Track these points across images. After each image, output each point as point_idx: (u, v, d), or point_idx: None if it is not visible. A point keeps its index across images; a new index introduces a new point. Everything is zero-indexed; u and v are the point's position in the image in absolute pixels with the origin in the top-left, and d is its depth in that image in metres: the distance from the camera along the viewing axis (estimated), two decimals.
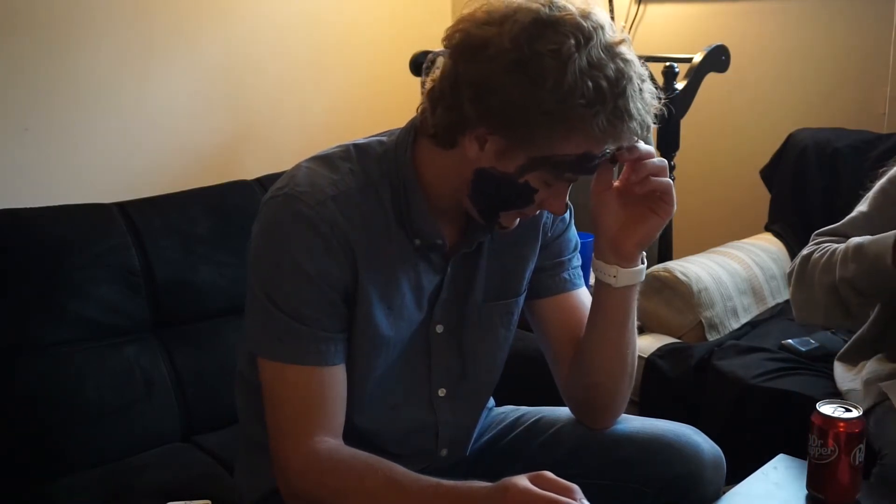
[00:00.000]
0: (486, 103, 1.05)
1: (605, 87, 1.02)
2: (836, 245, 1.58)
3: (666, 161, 1.17)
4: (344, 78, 2.90)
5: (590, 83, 1.01)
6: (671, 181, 1.17)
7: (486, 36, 1.05)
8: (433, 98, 1.11)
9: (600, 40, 1.03)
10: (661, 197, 1.16)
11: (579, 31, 1.03)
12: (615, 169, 1.18)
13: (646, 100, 1.07)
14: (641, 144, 1.14)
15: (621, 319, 1.24)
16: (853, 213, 1.67)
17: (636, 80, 1.05)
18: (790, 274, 1.67)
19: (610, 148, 1.09)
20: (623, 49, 1.05)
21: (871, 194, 1.67)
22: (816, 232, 1.69)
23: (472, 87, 1.06)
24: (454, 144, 1.11)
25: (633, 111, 1.04)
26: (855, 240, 1.54)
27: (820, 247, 1.62)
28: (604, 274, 1.21)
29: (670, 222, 2.47)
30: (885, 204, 1.61)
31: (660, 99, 1.10)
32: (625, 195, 1.18)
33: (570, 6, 1.05)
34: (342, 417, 1.16)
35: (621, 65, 1.04)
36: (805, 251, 1.65)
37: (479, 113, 1.06)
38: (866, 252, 1.50)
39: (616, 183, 1.18)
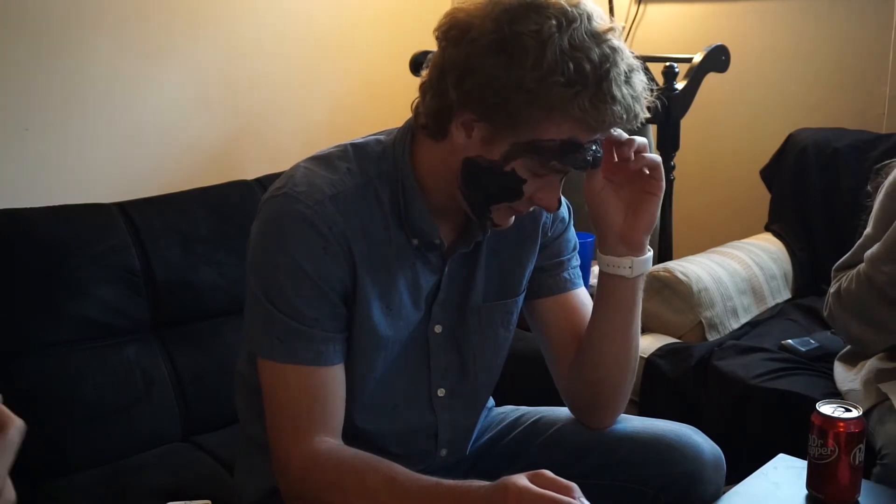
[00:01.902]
0: (468, 85, 1.05)
1: (588, 68, 1.02)
2: (853, 271, 1.63)
3: (646, 139, 1.17)
4: (344, 78, 2.90)
5: (571, 64, 1.01)
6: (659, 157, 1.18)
7: (470, 20, 1.05)
8: (423, 87, 1.12)
9: (585, 25, 1.03)
10: (652, 174, 1.17)
11: (563, 15, 1.03)
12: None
13: (634, 88, 1.06)
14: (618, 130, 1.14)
15: (631, 311, 1.25)
16: (861, 239, 1.70)
17: (622, 66, 1.05)
18: (829, 315, 1.70)
19: (598, 138, 1.09)
20: (610, 37, 1.05)
21: (873, 214, 1.69)
22: (835, 267, 1.72)
23: (455, 70, 1.06)
24: (444, 134, 1.11)
25: (618, 95, 1.03)
26: (865, 255, 1.59)
27: (844, 277, 1.66)
28: (618, 268, 1.21)
29: (670, 221, 2.50)
30: (888, 220, 1.63)
31: (652, 91, 1.10)
32: (617, 186, 1.18)
33: None
34: (342, 417, 1.16)
35: (607, 50, 1.03)
36: (832, 289, 1.68)
37: (462, 96, 1.06)
38: (885, 249, 1.56)
39: (601, 182, 1.18)
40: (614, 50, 1.04)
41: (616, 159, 1.16)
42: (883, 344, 1.67)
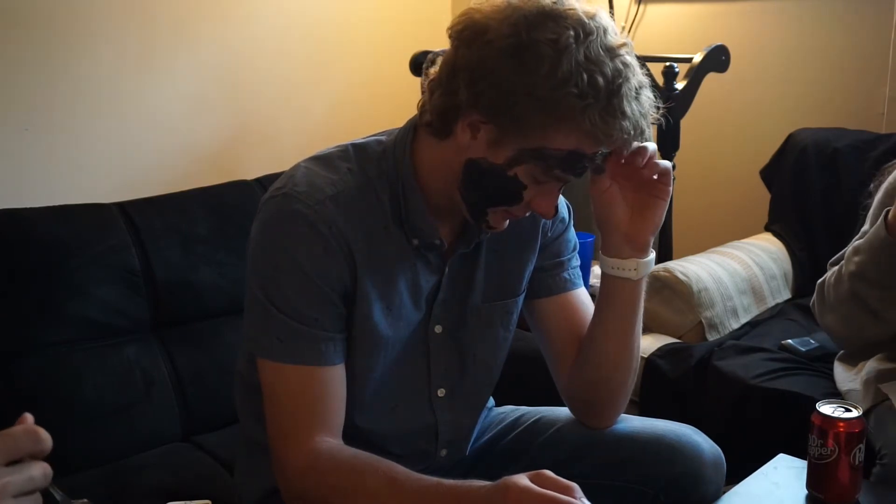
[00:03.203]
0: (479, 86, 1.05)
1: (601, 82, 1.02)
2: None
3: (655, 145, 1.17)
4: (344, 78, 2.90)
5: (585, 76, 1.02)
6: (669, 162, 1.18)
7: (487, 22, 1.06)
8: (432, 85, 1.12)
9: (601, 39, 1.04)
10: (661, 179, 1.18)
11: (580, 27, 1.03)
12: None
13: (642, 104, 1.07)
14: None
15: (634, 312, 1.25)
16: (858, 235, 1.69)
17: (633, 82, 1.06)
18: (813, 305, 1.71)
19: (602, 150, 1.09)
20: (624, 52, 1.06)
21: (871, 211, 1.69)
22: (830, 261, 1.72)
23: (467, 70, 1.06)
24: (449, 133, 1.11)
25: (628, 111, 1.04)
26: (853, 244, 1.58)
27: (830, 271, 1.66)
28: (622, 270, 1.21)
29: (671, 221, 2.50)
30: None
31: (658, 108, 1.10)
32: (623, 188, 1.18)
33: (576, 5, 1.06)
34: (342, 417, 1.16)
35: (620, 66, 1.04)
36: (820, 280, 1.68)
37: (472, 97, 1.06)
38: (864, 242, 1.54)
39: (608, 181, 1.18)
40: (627, 66, 1.05)
41: (623, 161, 1.16)
42: (856, 339, 1.68)
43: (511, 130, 1.06)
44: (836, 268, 1.64)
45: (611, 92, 1.03)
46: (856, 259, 1.55)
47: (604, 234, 1.22)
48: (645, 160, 1.15)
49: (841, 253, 1.70)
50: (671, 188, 1.19)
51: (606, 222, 1.21)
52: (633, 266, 1.21)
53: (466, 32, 1.07)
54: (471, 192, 1.13)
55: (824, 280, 1.67)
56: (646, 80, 1.08)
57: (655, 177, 1.18)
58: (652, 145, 1.16)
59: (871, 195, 1.73)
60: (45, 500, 0.72)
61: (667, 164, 1.18)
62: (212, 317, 1.86)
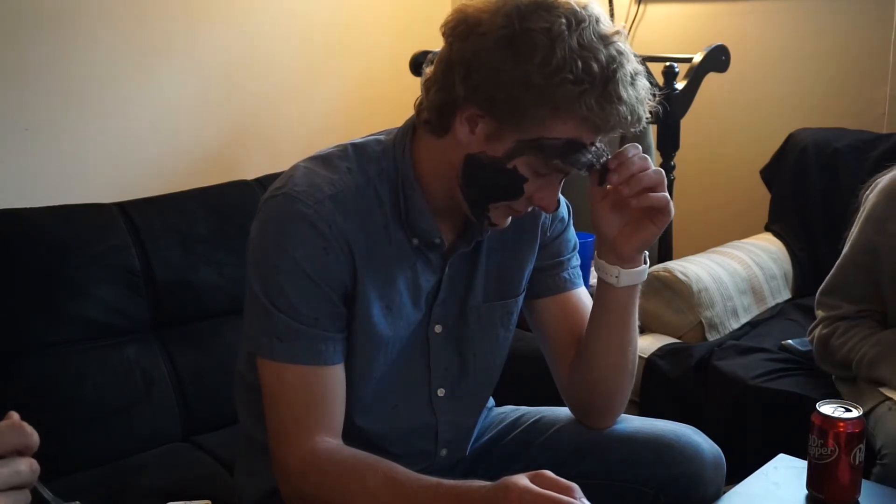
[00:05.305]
0: (475, 79, 1.05)
1: (596, 68, 1.02)
2: (849, 336, 1.70)
3: (663, 172, 1.15)
4: (344, 78, 2.90)
5: (579, 62, 1.02)
6: (668, 195, 1.15)
7: (480, 15, 1.06)
8: (428, 82, 1.12)
9: (593, 27, 1.04)
10: (661, 211, 1.16)
11: (572, 15, 1.04)
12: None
13: (638, 90, 1.07)
14: (631, 152, 1.13)
15: (623, 317, 1.24)
16: (840, 259, 1.75)
17: (628, 68, 1.06)
18: (812, 352, 1.81)
19: (601, 139, 1.09)
20: (617, 40, 1.06)
21: (852, 235, 1.71)
22: (819, 291, 1.79)
23: (462, 64, 1.06)
24: (447, 129, 1.11)
25: (624, 96, 1.04)
26: (867, 357, 1.66)
27: (835, 332, 1.72)
28: (606, 274, 1.22)
29: (671, 221, 2.49)
30: (864, 246, 1.69)
31: (654, 96, 1.10)
32: (620, 205, 1.17)
33: None
34: (342, 417, 1.16)
35: (614, 52, 1.05)
36: (818, 331, 1.76)
37: (468, 90, 1.06)
38: (842, 336, 1.69)
39: (609, 186, 1.16)
40: (621, 52, 1.05)
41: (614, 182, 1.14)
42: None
43: (508, 122, 1.06)
44: (845, 348, 1.69)
45: (606, 77, 1.03)
46: (835, 341, 1.69)
47: (595, 235, 1.22)
48: (633, 192, 1.13)
49: (828, 283, 1.76)
50: (670, 218, 1.17)
51: (596, 228, 1.21)
52: (615, 273, 1.21)
53: (460, 27, 1.08)
54: (471, 189, 1.13)
55: (827, 341, 1.73)
56: (641, 68, 1.08)
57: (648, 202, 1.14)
58: (654, 172, 1.13)
59: (859, 207, 1.74)
60: (34, 499, 0.71)
61: (662, 197, 1.14)
62: (212, 317, 1.86)
